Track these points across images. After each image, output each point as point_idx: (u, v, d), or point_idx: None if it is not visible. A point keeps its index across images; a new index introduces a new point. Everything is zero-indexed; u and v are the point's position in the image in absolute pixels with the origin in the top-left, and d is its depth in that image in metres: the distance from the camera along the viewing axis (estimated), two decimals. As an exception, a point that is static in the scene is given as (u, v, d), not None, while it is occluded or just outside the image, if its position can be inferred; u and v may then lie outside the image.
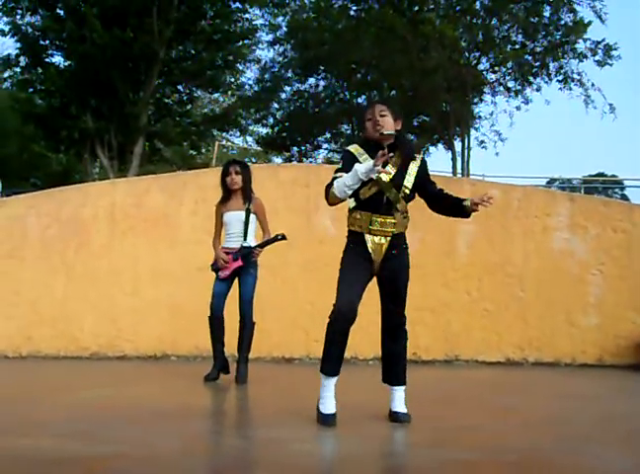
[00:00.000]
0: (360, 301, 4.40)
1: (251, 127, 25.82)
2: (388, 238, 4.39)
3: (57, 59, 18.79)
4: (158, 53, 16.73)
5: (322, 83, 23.41)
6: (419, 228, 9.04)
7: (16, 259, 8.76)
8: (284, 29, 22.57)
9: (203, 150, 26.64)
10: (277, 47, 22.82)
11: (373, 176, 4.18)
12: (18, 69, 19.09)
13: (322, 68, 22.42)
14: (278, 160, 28.92)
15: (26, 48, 17.89)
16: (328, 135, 25.17)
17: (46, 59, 18.28)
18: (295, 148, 24.29)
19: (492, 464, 3.32)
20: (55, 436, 3.79)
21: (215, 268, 6.62)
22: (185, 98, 19.78)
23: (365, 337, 9.10)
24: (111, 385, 6.34)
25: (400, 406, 4.41)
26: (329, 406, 4.21)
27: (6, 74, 24.32)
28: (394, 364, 4.54)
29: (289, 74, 23.30)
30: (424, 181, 4.45)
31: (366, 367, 8.94)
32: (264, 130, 25.34)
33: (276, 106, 23.84)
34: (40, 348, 8.58)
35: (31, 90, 18.98)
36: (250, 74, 34.77)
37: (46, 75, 17.37)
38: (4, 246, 8.78)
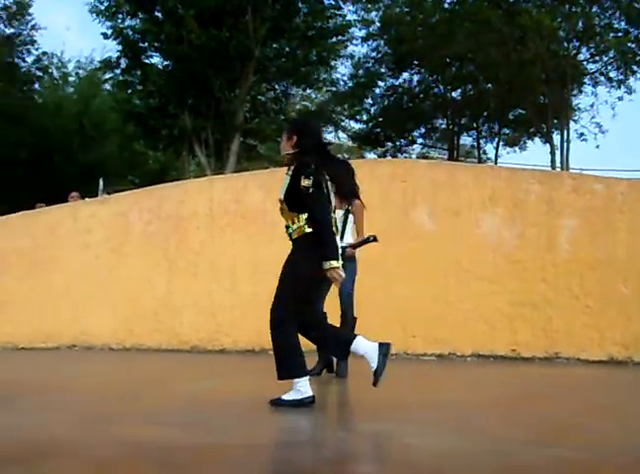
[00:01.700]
0: None
1: (344, 123, 25.85)
2: (293, 244, 4.68)
3: (155, 60, 19.29)
4: (253, 51, 16.94)
5: (416, 78, 23.24)
6: (517, 224, 8.89)
7: (120, 254, 9.03)
8: (378, 24, 22.48)
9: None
10: (370, 43, 22.79)
11: None
12: (118, 71, 19.70)
13: (416, 63, 22.24)
14: (371, 155, 28.85)
15: (126, 51, 18.43)
16: (423, 130, 24.98)
17: (146, 61, 18.77)
18: (390, 143, 24.16)
19: (602, 464, 3.22)
20: (164, 426, 3.88)
21: None
22: (279, 95, 19.96)
23: (463, 333, 9.06)
24: (212, 378, 6.45)
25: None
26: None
27: (107, 76, 25.13)
28: None
29: (383, 69, 23.20)
30: (294, 188, 4.52)
31: (464, 364, 8.84)
32: (357, 126, 25.35)
33: (369, 101, 23.77)
34: (143, 341, 8.82)
35: (130, 90, 19.56)
36: (344, 70, 34.78)
37: (147, 76, 17.84)
38: (109, 242, 9.06)
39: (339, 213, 6.48)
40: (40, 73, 28.32)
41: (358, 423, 4.09)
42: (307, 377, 4.60)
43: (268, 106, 19.87)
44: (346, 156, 36.45)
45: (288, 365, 4.61)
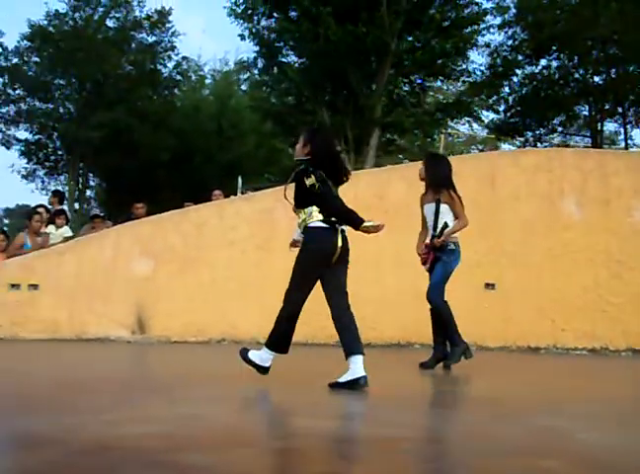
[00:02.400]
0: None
1: (479, 114, 25.31)
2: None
3: (291, 59, 19.58)
4: (389, 45, 16.89)
5: (554, 64, 22.42)
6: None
7: (265, 250, 9.20)
8: (513, 10, 21.89)
9: (428, 140, 26.62)
10: (506, 30, 22.16)
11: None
12: (255, 71, 20.20)
13: (554, 48, 21.46)
14: (506, 146, 28.14)
15: (263, 51, 18.83)
16: (563, 118, 24.10)
17: (282, 59, 19.12)
18: (529, 133, 23.46)
19: None
20: (332, 418, 3.94)
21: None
22: (416, 88, 19.81)
23: (616, 326, 8.70)
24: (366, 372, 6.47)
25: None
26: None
27: (243, 76, 25.82)
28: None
29: (520, 57, 22.50)
30: (299, 190, 5.09)
31: (618, 359, 8.50)
32: (494, 116, 24.74)
33: (507, 90, 23.13)
34: (291, 335, 8.94)
35: (268, 90, 19.99)
36: (481, 59, 33.98)
37: (284, 74, 18.14)
38: (255, 238, 9.26)
39: (431, 206, 6.56)
40: (179, 77, 29.38)
41: (523, 417, 3.98)
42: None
43: (405, 99, 19.77)
44: (480, 147, 35.89)
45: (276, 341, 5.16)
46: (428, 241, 6.59)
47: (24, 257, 9.74)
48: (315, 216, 5.06)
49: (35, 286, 9.44)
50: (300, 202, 5.14)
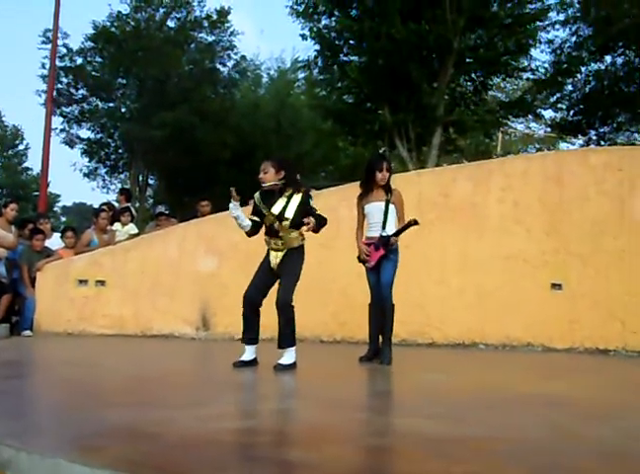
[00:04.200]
0: (264, 293, 6.33)
1: (539, 112, 24.87)
2: (282, 252, 6.28)
3: (351, 58, 19.50)
4: (452, 43, 16.73)
5: (620, 60, 21.82)
6: None
7: (329, 249, 9.20)
8: (577, 5, 21.40)
9: (486, 139, 26.26)
10: (570, 27, 21.64)
11: (234, 213, 6.34)
12: (316, 70, 20.21)
13: (620, 44, 20.90)
14: (564, 145, 27.62)
15: (324, 50, 18.81)
16: (629, 116, 23.45)
17: (344, 58, 19.08)
18: (593, 131, 22.92)
19: None
20: (420, 417, 3.94)
21: (361, 260, 7.00)
22: (478, 86, 19.56)
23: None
24: (439, 371, 6.49)
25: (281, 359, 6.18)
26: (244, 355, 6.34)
27: (301, 75, 25.87)
28: (279, 331, 6.20)
29: (584, 54, 21.95)
30: (305, 209, 6.16)
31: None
32: (554, 114, 24.25)
33: (570, 88, 22.61)
34: (354, 333, 8.95)
35: (328, 88, 19.99)
36: (544, 57, 33.25)
37: (345, 73, 18.11)
38: (319, 236, 9.23)
39: (380, 205, 6.86)
40: (238, 76, 29.57)
41: (609, 419, 3.93)
42: None
43: (466, 97, 19.53)
44: (537, 147, 35.31)
45: (294, 337, 6.23)
46: (366, 240, 6.99)
47: (91, 253, 9.94)
48: (302, 239, 6.34)
49: (102, 282, 9.63)
50: (297, 224, 6.15)
